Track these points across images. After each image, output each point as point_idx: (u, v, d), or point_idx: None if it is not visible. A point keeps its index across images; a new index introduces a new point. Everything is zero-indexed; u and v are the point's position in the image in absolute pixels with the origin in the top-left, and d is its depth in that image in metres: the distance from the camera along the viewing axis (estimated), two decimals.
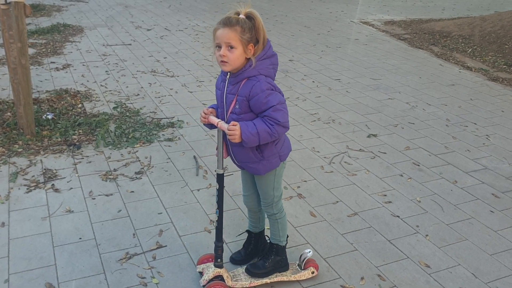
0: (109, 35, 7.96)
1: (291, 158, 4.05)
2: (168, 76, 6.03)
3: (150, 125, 4.53)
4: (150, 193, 3.45)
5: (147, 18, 9.47)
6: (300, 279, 2.63)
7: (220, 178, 2.38)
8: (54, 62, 6.32)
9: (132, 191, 3.46)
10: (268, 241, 2.69)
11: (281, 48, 7.64)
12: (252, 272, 2.58)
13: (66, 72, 5.96)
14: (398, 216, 3.29)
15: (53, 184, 3.48)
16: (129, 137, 4.27)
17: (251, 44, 2.14)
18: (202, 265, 2.60)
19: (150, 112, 4.86)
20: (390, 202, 3.45)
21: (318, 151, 4.20)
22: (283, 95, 2.25)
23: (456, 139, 4.49)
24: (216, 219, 2.44)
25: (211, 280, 2.46)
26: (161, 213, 3.22)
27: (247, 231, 2.77)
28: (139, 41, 7.66)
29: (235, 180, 3.65)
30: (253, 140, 2.16)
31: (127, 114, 4.76)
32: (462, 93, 5.77)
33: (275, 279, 2.59)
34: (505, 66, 6.93)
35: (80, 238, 2.92)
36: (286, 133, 2.36)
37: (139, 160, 3.90)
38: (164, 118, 4.73)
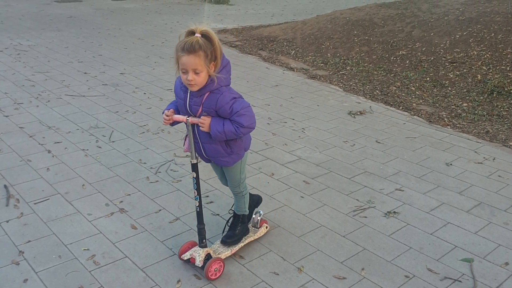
0: None
1: (115, 173, 3.98)
2: None
3: None
4: None
5: None
6: (260, 235, 3.13)
7: (194, 167, 2.69)
8: None
9: None
10: (233, 213, 3.07)
11: (112, 62, 7.47)
12: (228, 242, 2.93)
13: None
14: (218, 214, 3.43)
15: None
16: None
17: (212, 63, 2.39)
18: (187, 252, 2.81)
19: None
20: (212, 202, 3.59)
21: (144, 163, 4.19)
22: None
23: (275, 135, 4.83)
24: (197, 204, 2.75)
25: (205, 259, 2.74)
26: None
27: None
28: None
29: (50, 206, 3.47)
30: (220, 136, 2.50)
31: None
32: (284, 93, 6.22)
33: (246, 242, 3.02)
34: (322, 64, 7.65)
35: None
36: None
37: None
38: None
